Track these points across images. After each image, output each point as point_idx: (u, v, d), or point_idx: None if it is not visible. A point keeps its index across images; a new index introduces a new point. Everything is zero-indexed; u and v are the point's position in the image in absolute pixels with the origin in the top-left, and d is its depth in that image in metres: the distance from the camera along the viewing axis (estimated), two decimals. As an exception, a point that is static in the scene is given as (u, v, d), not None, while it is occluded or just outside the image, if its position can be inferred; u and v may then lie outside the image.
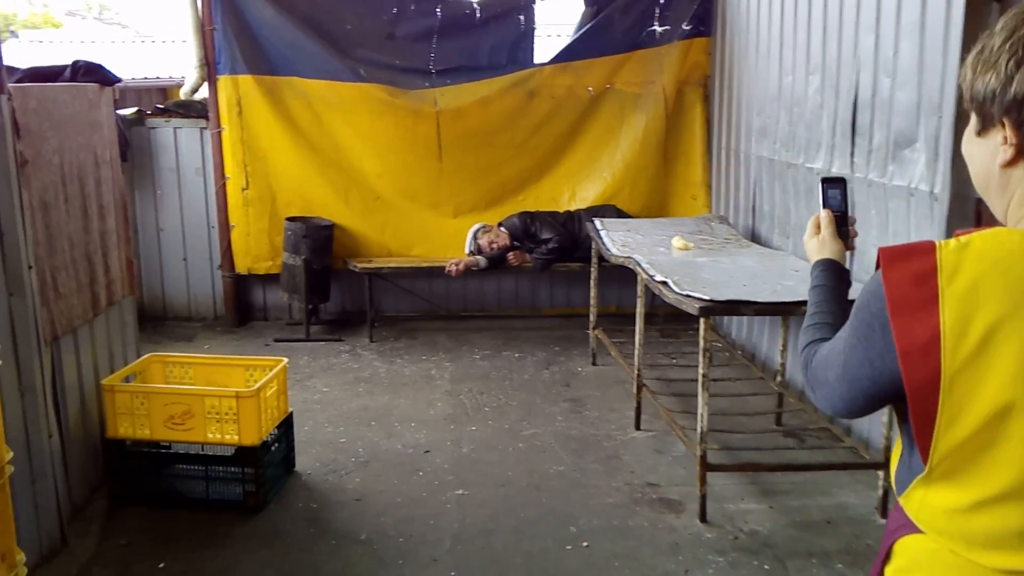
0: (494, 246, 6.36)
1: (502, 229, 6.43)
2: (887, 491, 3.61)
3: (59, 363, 3.52)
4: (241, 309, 6.78)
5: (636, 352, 4.64)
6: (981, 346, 1.04)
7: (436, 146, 6.53)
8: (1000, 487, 1.07)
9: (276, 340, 6.36)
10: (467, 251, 6.45)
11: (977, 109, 1.16)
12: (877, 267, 1.14)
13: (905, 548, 1.19)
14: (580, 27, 6.59)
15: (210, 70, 6.34)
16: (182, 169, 6.62)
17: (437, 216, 6.68)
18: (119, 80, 4.16)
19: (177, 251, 6.74)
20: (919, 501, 1.16)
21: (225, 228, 6.57)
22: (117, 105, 5.74)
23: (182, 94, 6.69)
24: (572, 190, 6.74)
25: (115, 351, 4.10)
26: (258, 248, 6.56)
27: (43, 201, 3.39)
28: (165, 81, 11.35)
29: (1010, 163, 1.12)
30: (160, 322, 6.76)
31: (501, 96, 6.51)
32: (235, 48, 6.26)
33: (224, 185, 6.49)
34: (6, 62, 4.05)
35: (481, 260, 6.28)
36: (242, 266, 6.61)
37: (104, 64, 4.06)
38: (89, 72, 3.95)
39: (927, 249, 1.09)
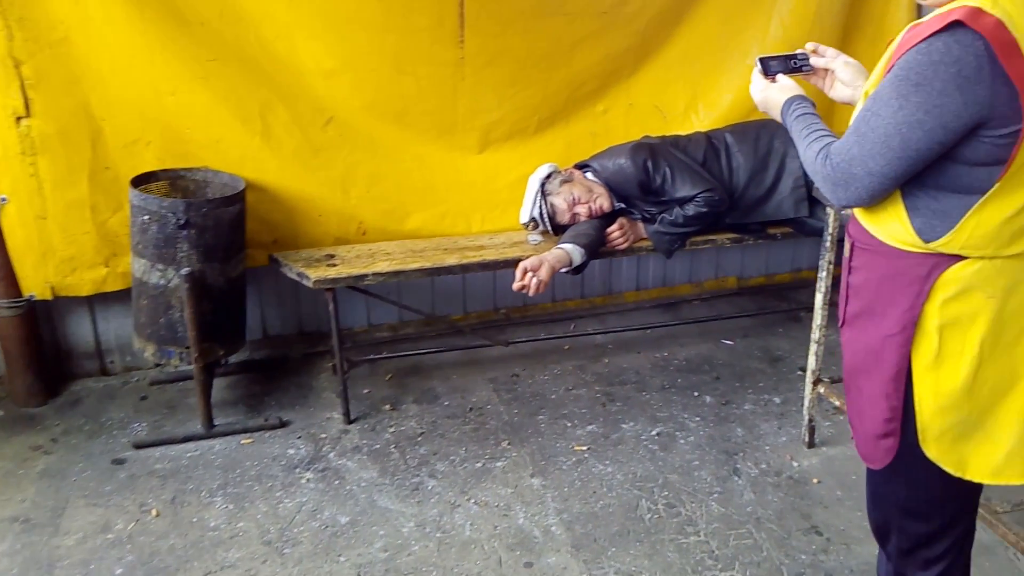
0: (580, 209, 3.17)
1: (589, 176, 3.25)
2: None
3: None
4: (44, 365, 3.21)
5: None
6: None
7: (455, 15, 3.13)
8: None
9: (138, 446, 2.92)
10: (526, 220, 3.24)
11: None
12: (934, 34, 1.28)
13: (950, 279, 1.42)
14: None
15: None
16: None
17: (448, 151, 3.35)
18: None
19: None
20: (970, 229, 1.38)
21: (-17, 202, 2.93)
22: None
23: None
24: (693, 92, 3.59)
25: None
26: (69, 243, 2.98)
27: None
28: None
29: None
30: None
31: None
32: None
33: (-32, 105, 2.81)
34: None
35: (575, 252, 3.03)
36: (35, 283, 3.01)
37: None
38: None
39: (974, 9, 1.26)
